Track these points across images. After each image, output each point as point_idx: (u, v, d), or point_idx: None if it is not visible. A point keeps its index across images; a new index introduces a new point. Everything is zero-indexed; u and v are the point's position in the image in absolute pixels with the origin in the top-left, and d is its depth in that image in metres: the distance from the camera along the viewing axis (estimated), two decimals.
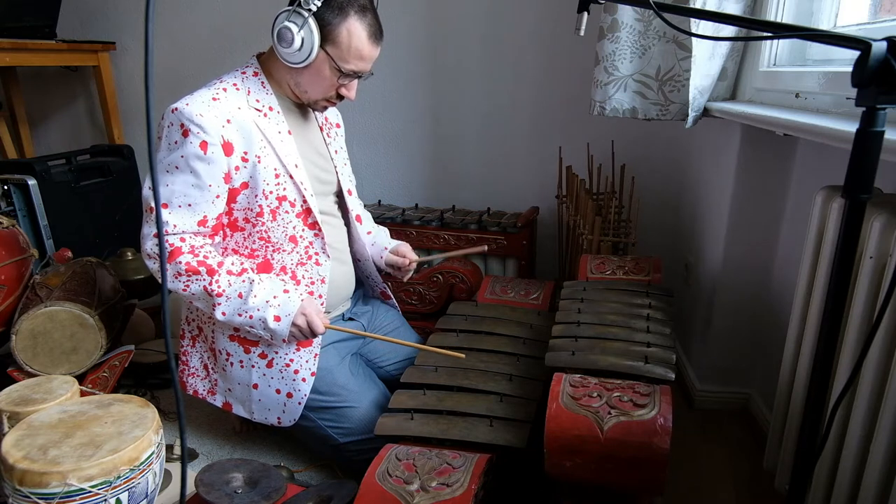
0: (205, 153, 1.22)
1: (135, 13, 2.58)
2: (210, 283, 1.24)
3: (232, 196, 1.29)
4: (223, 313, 1.25)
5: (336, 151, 1.50)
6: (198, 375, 1.45)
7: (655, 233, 2.17)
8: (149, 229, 1.27)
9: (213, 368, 1.43)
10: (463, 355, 1.27)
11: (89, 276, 1.66)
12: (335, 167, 1.48)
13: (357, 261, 1.56)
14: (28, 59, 2.31)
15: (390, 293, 1.66)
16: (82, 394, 1.33)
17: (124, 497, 0.98)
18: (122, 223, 2.33)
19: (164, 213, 1.23)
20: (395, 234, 2.12)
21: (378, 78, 2.33)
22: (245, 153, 1.27)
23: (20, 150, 2.66)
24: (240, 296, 1.25)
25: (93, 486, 0.94)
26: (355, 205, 1.54)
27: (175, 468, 1.38)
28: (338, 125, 1.56)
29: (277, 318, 1.25)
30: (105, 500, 0.96)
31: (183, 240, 1.26)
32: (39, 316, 1.47)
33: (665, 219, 2.16)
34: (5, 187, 1.92)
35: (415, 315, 1.94)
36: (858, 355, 0.81)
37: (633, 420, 0.98)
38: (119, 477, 0.96)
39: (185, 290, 1.26)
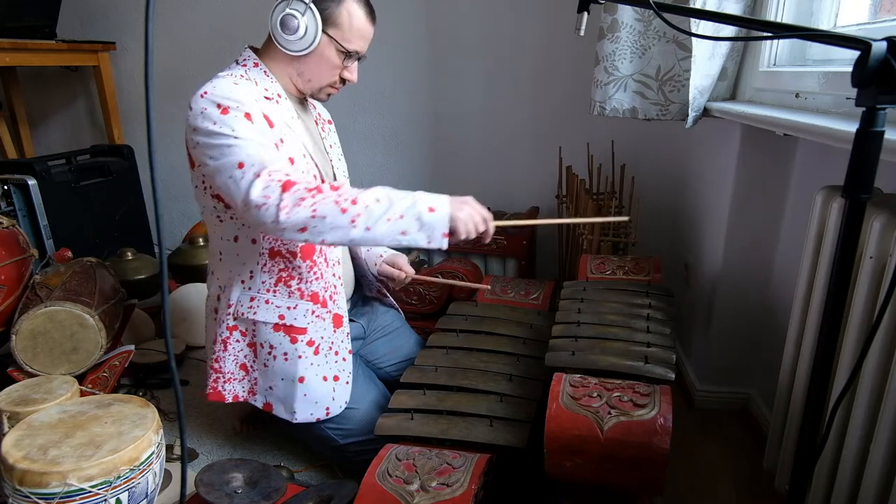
0: (251, 122, 1.16)
1: (135, 13, 2.58)
2: (338, 199, 1.10)
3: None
4: (367, 228, 1.10)
5: (331, 146, 1.50)
6: (235, 379, 1.37)
7: (655, 233, 2.17)
8: (246, 181, 1.11)
9: (252, 367, 1.36)
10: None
11: (89, 276, 1.66)
12: (331, 161, 1.48)
13: (353, 258, 1.55)
14: (28, 59, 2.31)
15: (387, 292, 1.65)
16: (82, 394, 1.33)
17: (124, 497, 0.98)
18: (122, 223, 2.33)
19: (256, 162, 1.12)
20: None
21: (378, 78, 2.34)
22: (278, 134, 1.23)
23: (20, 150, 2.66)
24: (377, 201, 1.11)
25: (93, 486, 0.94)
26: None
27: (175, 468, 1.38)
28: (329, 122, 1.56)
29: (432, 209, 1.12)
30: (105, 500, 0.96)
31: (288, 174, 1.13)
32: (39, 316, 1.47)
33: (665, 219, 2.16)
34: (5, 187, 1.92)
35: (415, 315, 1.93)
36: (858, 355, 0.81)
37: (633, 420, 0.98)
38: (119, 477, 0.97)
39: (313, 215, 1.10)
